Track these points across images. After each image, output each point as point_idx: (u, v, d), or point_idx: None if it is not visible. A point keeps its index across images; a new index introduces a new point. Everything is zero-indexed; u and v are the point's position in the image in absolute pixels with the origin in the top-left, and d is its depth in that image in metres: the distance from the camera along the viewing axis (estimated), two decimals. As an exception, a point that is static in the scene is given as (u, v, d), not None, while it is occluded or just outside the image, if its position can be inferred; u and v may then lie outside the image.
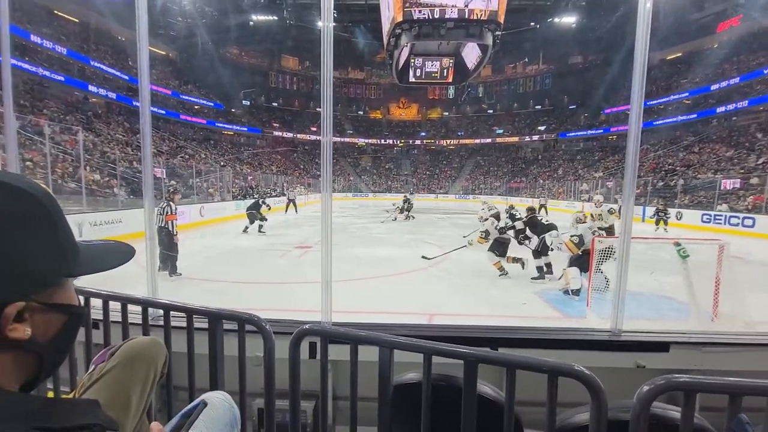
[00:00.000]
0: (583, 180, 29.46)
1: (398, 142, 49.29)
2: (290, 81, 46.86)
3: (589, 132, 37.83)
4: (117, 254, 0.57)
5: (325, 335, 1.11)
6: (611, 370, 1.82)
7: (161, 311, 1.45)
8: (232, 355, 1.31)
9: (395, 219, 16.15)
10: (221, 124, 37.28)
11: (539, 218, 6.75)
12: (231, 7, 33.03)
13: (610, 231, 7.10)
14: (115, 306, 1.56)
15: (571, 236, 5.37)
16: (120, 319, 1.52)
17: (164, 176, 17.36)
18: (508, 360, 0.82)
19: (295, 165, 42.27)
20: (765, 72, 23.59)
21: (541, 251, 6.20)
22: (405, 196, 17.51)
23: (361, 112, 50.59)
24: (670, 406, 0.76)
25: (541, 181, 35.33)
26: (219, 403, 0.95)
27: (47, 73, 21.49)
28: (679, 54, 31.77)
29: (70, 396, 1.07)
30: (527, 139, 43.86)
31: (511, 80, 46.87)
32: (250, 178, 28.28)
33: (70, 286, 0.52)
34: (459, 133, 48.54)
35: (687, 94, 28.94)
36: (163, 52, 34.45)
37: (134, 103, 24.96)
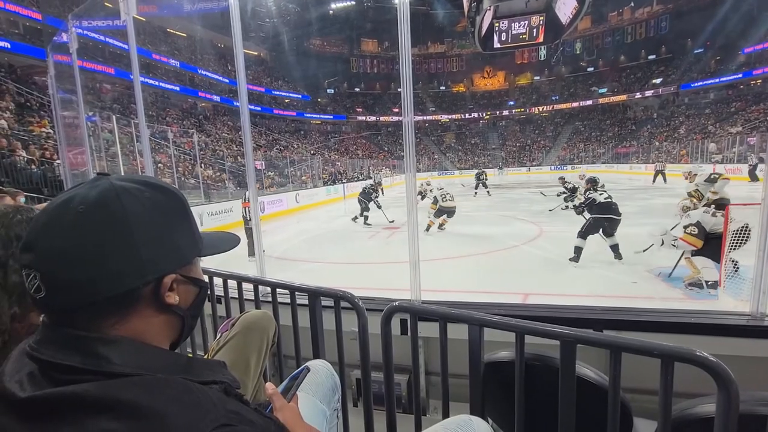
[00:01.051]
0: (712, 139, 24.71)
1: (484, 114, 46.85)
2: (370, 64, 47.52)
3: (723, 79, 31.23)
4: (228, 241, 0.69)
5: (414, 312, 1.15)
6: (750, 360, 1.55)
7: (269, 288, 1.64)
8: (331, 329, 1.44)
9: (475, 194, 16.08)
10: (309, 115, 39.68)
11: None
12: (311, 0, 34.50)
13: (720, 205, 5.57)
14: (232, 284, 1.81)
15: (686, 228, 4.28)
16: (237, 295, 1.76)
17: (264, 167, 19.21)
18: (610, 341, 0.75)
19: (379, 148, 43.14)
20: None
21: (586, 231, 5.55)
22: (477, 173, 17.43)
23: (443, 88, 49.15)
24: None
25: (657, 143, 30.54)
26: (321, 369, 1.05)
27: (166, 85, 25.16)
28: None
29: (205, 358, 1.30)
30: (638, 96, 37.98)
31: (616, 30, 40.72)
32: (338, 164, 29.77)
33: (199, 264, 0.63)
34: (553, 98, 44.12)
35: None
36: (255, 53, 37.63)
37: (235, 103, 27.95)
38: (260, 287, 1.72)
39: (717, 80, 31.74)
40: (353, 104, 46.00)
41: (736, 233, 3.61)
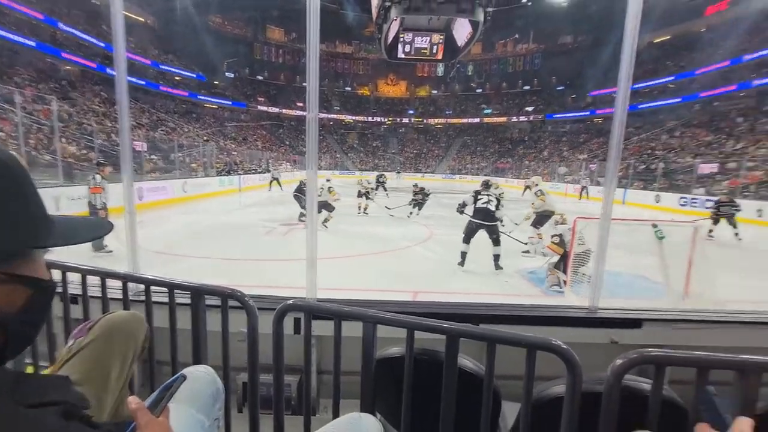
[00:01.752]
0: (566, 163, 29.82)
1: (386, 119, 48.68)
2: (276, 53, 45.37)
3: (576, 114, 38.00)
4: (92, 228, 0.55)
5: (308, 310, 1.12)
6: (587, 345, 1.90)
7: (142, 286, 1.43)
8: (216, 331, 1.31)
9: (373, 198, 16.66)
10: (204, 97, 36.00)
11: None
12: (213, -29, 31.46)
13: (545, 216, 6.84)
14: (94, 281, 1.53)
15: (552, 239, 5.17)
16: (100, 294, 1.50)
17: (144, 150, 16.85)
18: (488, 335, 0.85)
19: (280, 141, 41.46)
20: (745, 59, 23.87)
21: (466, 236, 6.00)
22: (379, 174, 18.32)
23: (348, 88, 49.57)
24: (641, 378, 0.80)
25: (527, 161, 35.60)
26: (201, 376, 0.95)
27: (17, 38, 20.21)
28: (668, 37, 31.84)
29: (48, 371, 1.06)
30: (515, 119, 43.87)
31: (500, 59, 46.40)
32: (234, 153, 27.68)
33: (39, 258, 0.50)
34: (447, 112, 48.19)
35: (672, 78, 29.17)
36: (141, 18, 32.71)
37: (111, 71, 23.80)
38: (131, 285, 1.49)
39: (571, 114, 38.45)
40: (255, 92, 43.28)
41: (579, 256, 4.49)
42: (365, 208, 12.00)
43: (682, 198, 15.92)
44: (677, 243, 4.59)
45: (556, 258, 5.08)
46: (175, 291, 1.33)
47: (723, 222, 8.90)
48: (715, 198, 13.26)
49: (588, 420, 0.78)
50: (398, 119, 48.77)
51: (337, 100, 48.61)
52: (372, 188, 12.15)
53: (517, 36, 43.77)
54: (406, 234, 8.61)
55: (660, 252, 4.35)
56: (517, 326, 1.81)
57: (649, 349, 0.78)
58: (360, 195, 12.08)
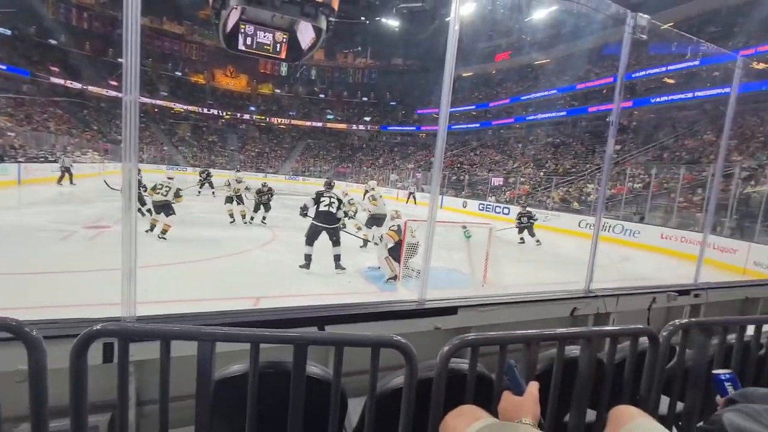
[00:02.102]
0: (398, 171, 33.38)
1: (224, 113, 44.52)
2: (78, 16, 35.92)
3: (405, 128, 42.97)
4: None
5: (123, 335, 0.91)
6: (417, 334, 2.16)
7: None
8: None
9: (198, 194, 15.10)
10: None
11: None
12: None
13: (377, 218, 7.70)
14: None
15: (391, 227, 5.91)
16: None
17: None
18: (336, 339, 0.87)
19: (85, 125, 33.04)
20: (522, 98, 31.60)
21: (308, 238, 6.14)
22: (203, 170, 16.76)
23: (179, 73, 43.23)
24: (460, 359, 0.96)
25: (365, 168, 38.22)
26: None
27: None
28: (471, 73, 39.20)
29: None
30: (354, 127, 46.55)
31: (342, 69, 48.52)
32: (11, 134, 20.58)
33: None
34: (291, 113, 47.44)
35: (474, 107, 36.10)
36: None
37: None
38: None
39: (402, 128, 43.31)
40: (45, 59, 33.12)
41: (411, 246, 5.17)
42: (244, 216, 9.73)
43: (480, 204, 19.86)
44: (480, 242, 5.68)
45: (391, 243, 5.71)
46: None
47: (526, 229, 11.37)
48: (503, 204, 16.94)
49: (423, 404, 0.89)
50: (238, 114, 45.30)
51: (165, 85, 41.77)
52: (243, 189, 9.78)
53: (358, 49, 46.61)
54: (247, 236, 8.06)
55: (467, 249, 5.32)
56: (360, 323, 1.92)
57: (467, 335, 0.94)
58: (230, 200, 9.74)
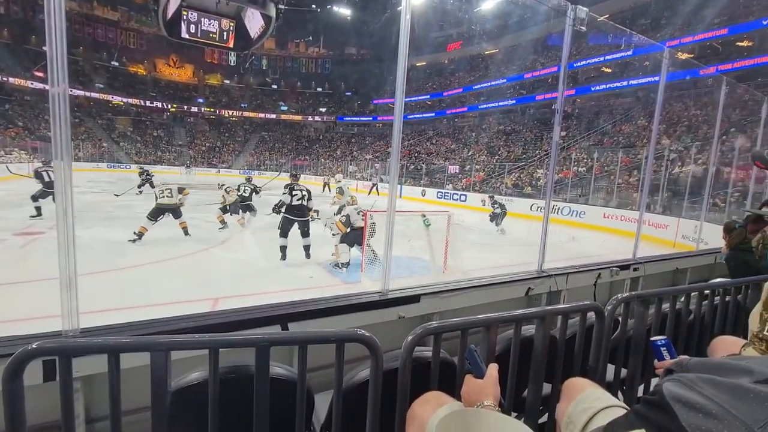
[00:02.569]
0: (356, 162, 33.20)
1: (170, 106, 41.76)
2: (-12, -3, 31.84)
3: (362, 118, 42.64)
4: None
5: (65, 352, 0.83)
6: (382, 324, 2.18)
7: None
8: None
9: (140, 193, 13.96)
10: None
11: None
12: None
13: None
14: None
15: (340, 218, 6.00)
16: None
17: None
18: (298, 338, 0.85)
19: (8, 121, 29.67)
20: (474, 87, 32.41)
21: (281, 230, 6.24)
22: (141, 168, 15.48)
23: (115, 63, 39.83)
24: (424, 348, 0.98)
25: (323, 160, 37.62)
26: None
27: None
28: (424, 63, 39.54)
29: None
30: (310, 118, 45.53)
31: (294, 58, 47.06)
32: None
33: None
34: (242, 105, 45.43)
35: (428, 96, 36.53)
36: None
37: None
38: None
39: (358, 119, 42.95)
40: None
41: (370, 228, 5.21)
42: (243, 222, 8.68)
43: (438, 192, 20.26)
44: (439, 229, 5.81)
45: (336, 232, 5.83)
46: None
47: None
48: (461, 192, 17.34)
49: (390, 394, 0.90)
50: (185, 107, 42.67)
51: (100, 76, 38.31)
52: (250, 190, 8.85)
53: (310, 38, 45.34)
54: (203, 235, 7.70)
55: (427, 237, 5.42)
56: (324, 318, 1.90)
57: (429, 323, 0.97)
58: (226, 210, 8.67)
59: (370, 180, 24.18)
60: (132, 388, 0.91)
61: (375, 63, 40.97)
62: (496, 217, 11.39)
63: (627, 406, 0.78)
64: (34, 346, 0.78)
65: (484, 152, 26.17)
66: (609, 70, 24.54)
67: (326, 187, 22.68)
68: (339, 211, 7.91)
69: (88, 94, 36.44)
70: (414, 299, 2.20)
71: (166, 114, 42.02)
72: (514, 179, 20.41)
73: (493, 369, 0.88)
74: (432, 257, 5.23)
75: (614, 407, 0.80)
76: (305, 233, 6.22)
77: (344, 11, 39.45)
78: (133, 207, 11.29)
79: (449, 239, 5.62)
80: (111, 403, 0.83)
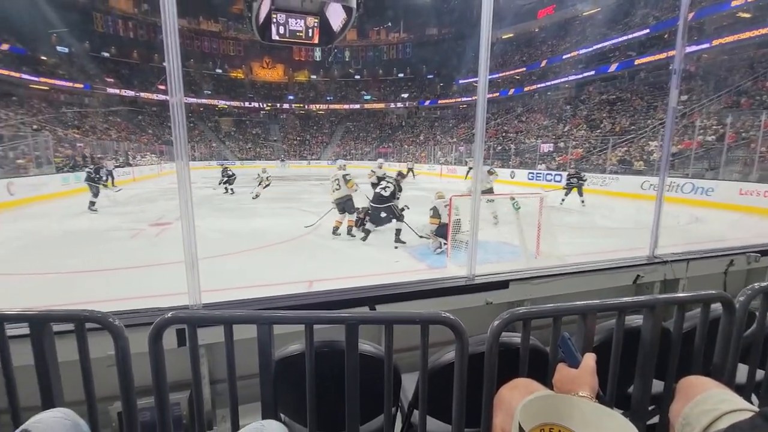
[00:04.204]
0: (440, 146, 32.64)
1: (265, 105, 45.92)
2: (124, 26, 38.30)
3: (444, 101, 41.58)
4: None
5: (192, 321, 1.00)
6: (468, 309, 2.15)
7: None
8: (74, 360, 1.09)
9: (225, 191, 14.76)
10: (28, 76, 28.46)
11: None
12: None
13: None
14: None
15: (430, 211, 6.00)
16: None
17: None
18: (385, 318, 0.89)
19: (141, 129, 35.70)
20: (565, 57, 29.24)
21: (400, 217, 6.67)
22: (223, 167, 16.13)
23: (219, 71, 45.04)
24: (513, 333, 0.94)
25: (406, 146, 37.80)
26: (56, 423, 0.79)
27: None
28: (511, 34, 36.82)
29: None
30: (392, 105, 45.92)
31: (375, 46, 47.69)
32: (80, 145, 22.83)
33: None
34: (328, 98, 47.80)
35: (517, 70, 33.95)
36: None
37: None
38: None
39: (441, 101, 41.95)
40: (100, 71, 35.79)
41: (455, 223, 5.11)
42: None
43: (530, 173, 18.94)
44: (529, 212, 5.47)
45: (433, 228, 5.85)
46: (5, 324, 1.05)
47: (573, 191, 10.89)
48: (554, 171, 16.06)
49: (475, 378, 0.89)
50: (278, 105, 46.48)
51: (208, 83, 43.77)
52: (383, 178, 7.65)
53: (389, 24, 45.45)
54: (297, 223, 8.38)
55: (517, 220, 5.13)
56: (410, 302, 1.94)
57: (518, 308, 0.92)
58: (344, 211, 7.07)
59: (460, 164, 23.56)
60: (244, 357, 1.05)
61: (457, 41, 39.52)
62: (571, 190, 10.82)
63: None
64: (169, 315, 0.94)
65: (583, 126, 23.62)
66: (747, 15, 19.99)
67: (410, 173, 22.80)
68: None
69: (198, 100, 41.72)
70: (502, 285, 2.11)
71: (262, 113, 46.19)
72: (620, 154, 18.10)
73: (589, 359, 0.81)
74: (522, 242, 4.95)
75: (743, 411, 0.68)
76: (394, 218, 6.53)
77: (424, -9, 38.59)
78: (240, 200, 12.76)
79: (542, 222, 5.25)
80: (228, 367, 0.96)
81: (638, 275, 2.48)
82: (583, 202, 10.62)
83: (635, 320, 1.10)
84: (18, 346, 1.09)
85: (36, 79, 29.26)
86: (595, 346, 0.96)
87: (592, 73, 26.95)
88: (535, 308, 0.92)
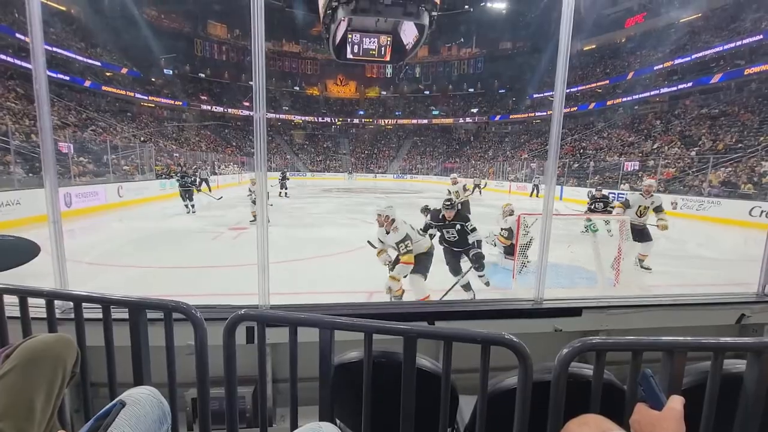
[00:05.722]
0: (510, 162, 31.45)
1: (336, 120, 48.32)
2: (218, 50, 43.19)
3: (517, 116, 40.15)
4: (14, 253, 0.50)
5: (261, 320, 1.07)
6: (534, 335, 2.01)
7: (71, 304, 1.28)
8: (160, 346, 1.22)
9: (280, 194, 17.17)
10: (140, 95, 33.32)
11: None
12: (144, -39, 29.29)
13: (464, 205, 8.30)
14: (11, 300, 1.36)
15: (501, 230, 5.61)
16: (19, 314, 1.33)
17: (71, 151, 15.32)
18: (444, 333, 0.86)
19: (226, 142, 39.56)
20: (656, 68, 26.66)
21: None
22: (282, 172, 18.52)
23: (297, 88, 48.50)
24: (583, 364, 0.87)
25: (473, 161, 37.04)
26: (145, 399, 0.89)
27: None
28: (594, 46, 34.66)
29: None
30: (461, 120, 45.49)
31: (446, 62, 47.89)
32: (176, 155, 25.97)
33: None
34: (397, 113, 48.85)
35: (608, 81, 31.55)
36: (61, 7, 29.59)
37: (27, 64, 21.30)
38: (58, 303, 1.33)
39: (512, 116, 40.54)
40: (197, 90, 40.74)
41: (524, 245, 4.84)
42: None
43: (610, 193, 17.40)
44: (604, 235, 5.02)
45: (502, 248, 5.61)
46: (111, 307, 1.21)
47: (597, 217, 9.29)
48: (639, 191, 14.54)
49: (539, 408, 0.83)
50: (348, 119, 48.60)
51: (286, 100, 47.39)
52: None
53: (461, 40, 45.44)
54: (358, 234, 8.59)
55: (594, 244, 4.74)
56: (470, 321, 1.88)
57: (591, 338, 0.84)
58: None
59: (531, 181, 22.48)
60: (305, 359, 1.09)
61: (532, 55, 38.15)
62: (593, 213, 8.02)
63: None
64: (242, 312, 1.02)
65: (676, 143, 21.26)
66: None
67: (477, 189, 22.24)
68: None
69: (277, 115, 45.16)
70: (574, 312, 1.96)
71: (333, 127, 48.54)
72: (723, 175, 15.93)
73: (676, 402, 0.70)
74: (599, 268, 4.54)
75: None
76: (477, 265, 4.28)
77: (498, 6, 37.99)
78: (306, 208, 13.45)
79: (623, 247, 4.78)
80: (290, 366, 1.01)
81: (743, 314, 2.14)
82: (610, 231, 8.01)
83: (735, 365, 0.94)
84: (116, 329, 1.26)
85: (146, 97, 33.92)
86: (683, 389, 0.84)
87: (689, 85, 24.23)
88: (611, 339, 0.83)
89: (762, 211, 10.98)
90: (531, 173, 25.46)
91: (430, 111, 47.74)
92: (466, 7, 38.18)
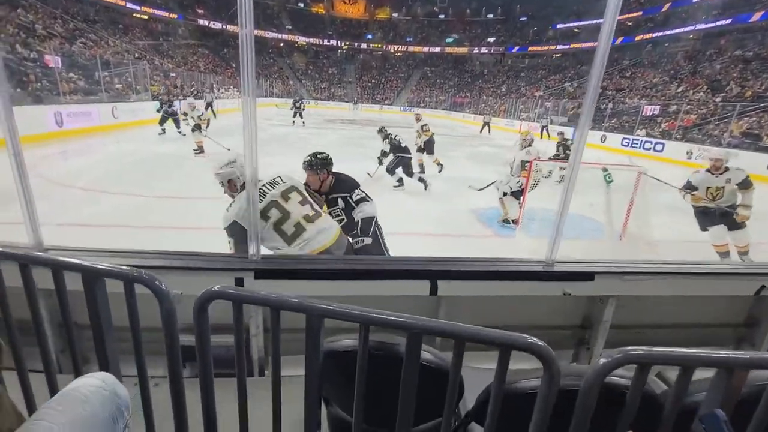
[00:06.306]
0: (523, 99, 29.87)
1: (342, 44, 44.95)
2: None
3: (535, 48, 37.24)
4: None
5: (238, 300, 0.86)
6: (541, 298, 1.91)
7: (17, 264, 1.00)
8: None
9: (293, 123, 16.96)
10: (132, 4, 30.56)
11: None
12: None
13: (428, 144, 8.04)
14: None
15: (523, 162, 5.20)
16: None
17: (59, 65, 14.43)
18: (456, 332, 0.71)
19: (226, 63, 37.21)
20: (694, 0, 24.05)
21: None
22: (295, 99, 18.33)
23: (301, 4, 44.36)
24: (619, 372, 0.72)
25: (485, 97, 35.21)
26: (93, 393, 0.71)
27: None
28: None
29: None
30: (476, 50, 42.35)
31: (466, -19, 43.32)
32: (173, 75, 24.58)
33: None
34: (408, 39, 45.28)
35: (641, 13, 28.69)
36: None
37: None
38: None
39: (531, 48, 37.63)
40: (192, 2, 37.11)
41: (532, 186, 4.58)
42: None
43: (624, 138, 16.71)
44: (619, 185, 4.80)
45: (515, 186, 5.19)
46: (64, 272, 1.00)
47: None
48: (656, 139, 13.94)
49: (556, 414, 0.71)
50: (356, 44, 45.21)
51: (288, 17, 43.59)
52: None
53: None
54: (359, 168, 8.32)
55: (606, 195, 4.53)
56: (477, 281, 1.75)
57: (634, 348, 0.69)
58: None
59: (538, 121, 21.24)
60: (295, 315, 0.90)
61: (561, -23, 34.29)
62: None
63: None
64: (216, 288, 0.85)
65: (703, 87, 19.90)
66: None
67: (486, 127, 21.35)
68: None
69: (279, 35, 41.73)
70: (586, 276, 1.83)
71: (339, 51, 45.32)
72: (746, 125, 15.13)
73: None
74: (609, 221, 4.39)
75: None
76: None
77: None
78: (308, 139, 12.99)
79: (635, 200, 4.58)
80: (273, 352, 0.87)
81: (763, 286, 2.02)
82: (550, 173, 6.83)
83: None
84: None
85: (137, 7, 31.18)
86: (737, 407, 0.70)
87: (729, 21, 22.01)
88: (658, 351, 0.68)
89: (782, 166, 10.54)
90: (545, 112, 24.29)
91: (444, 38, 44.21)
92: None
